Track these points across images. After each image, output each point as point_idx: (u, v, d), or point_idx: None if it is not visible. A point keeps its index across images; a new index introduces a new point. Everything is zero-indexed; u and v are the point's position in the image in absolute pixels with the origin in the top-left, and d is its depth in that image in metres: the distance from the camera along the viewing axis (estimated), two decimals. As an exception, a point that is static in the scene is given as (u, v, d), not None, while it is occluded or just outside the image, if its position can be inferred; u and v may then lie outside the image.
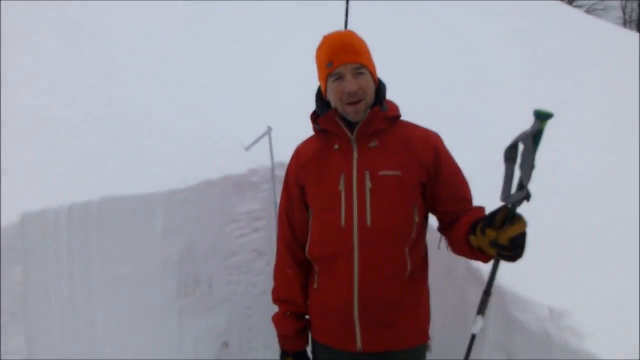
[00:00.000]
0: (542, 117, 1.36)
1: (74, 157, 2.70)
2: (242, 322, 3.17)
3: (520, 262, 2.45)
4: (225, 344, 3.09)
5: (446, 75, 5.22)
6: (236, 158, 3.21)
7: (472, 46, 5.99)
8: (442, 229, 1.88)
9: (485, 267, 1.93)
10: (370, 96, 1.75)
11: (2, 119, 2.78)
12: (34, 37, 3.79)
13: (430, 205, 1.83)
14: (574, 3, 16.78)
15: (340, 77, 1.70)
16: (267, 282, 3.22)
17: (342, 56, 1.69)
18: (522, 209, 1.49)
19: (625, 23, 20.94)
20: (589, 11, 15.78)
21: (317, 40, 1.82)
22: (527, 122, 1.41)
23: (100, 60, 3.80)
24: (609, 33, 7.11)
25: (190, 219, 2.80)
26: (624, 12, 21.81)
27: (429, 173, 1.75)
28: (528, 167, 1.40)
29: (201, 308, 2.92)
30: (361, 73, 1.71)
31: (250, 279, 3.20)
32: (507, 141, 1.48)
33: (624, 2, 21.48)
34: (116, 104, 3.38)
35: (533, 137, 1.38)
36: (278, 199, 3.15)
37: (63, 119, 3.03)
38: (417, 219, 1.75)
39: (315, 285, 1.86)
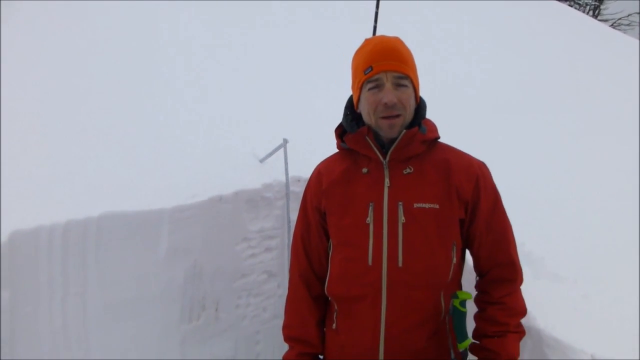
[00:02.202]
0: (456, 297, 1.56)
1: (71, 169, 2.56)
2: (249, 348, 3.00)
3: (559, 301, 2.27)
4: (231, 373, 2.92)
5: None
6: (249, 172, 3.02)
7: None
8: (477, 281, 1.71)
9: (530, 305, 1.71)
10: (410, 113, 1.55)
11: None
12: (34, 41, 3.70)
13: (465, 244, 1.64)
14: (599, 17, 16.48)
15: (378, 86, 1.51)
16: (278, 305, 3.05)
17: (385, 62, 1.49)
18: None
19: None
20: (614, 26, 15.45)
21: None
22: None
23: (102, 69, 3.66)
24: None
25: (197, 238, 2.64)
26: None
27: (467, 209, 1.56)
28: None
29: (206, 335, 2.75)
30: (403, 85, 1.51)
31: (260, 303, 3.02)
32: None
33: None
34: (117, 111, 3.23)
35: (452, 315, 1.57)
36: (292, 216, 3.03)
37: (60, 127, 2.90)
38: (455, 259, 1.55)
39: (334, 326, 1.68)
